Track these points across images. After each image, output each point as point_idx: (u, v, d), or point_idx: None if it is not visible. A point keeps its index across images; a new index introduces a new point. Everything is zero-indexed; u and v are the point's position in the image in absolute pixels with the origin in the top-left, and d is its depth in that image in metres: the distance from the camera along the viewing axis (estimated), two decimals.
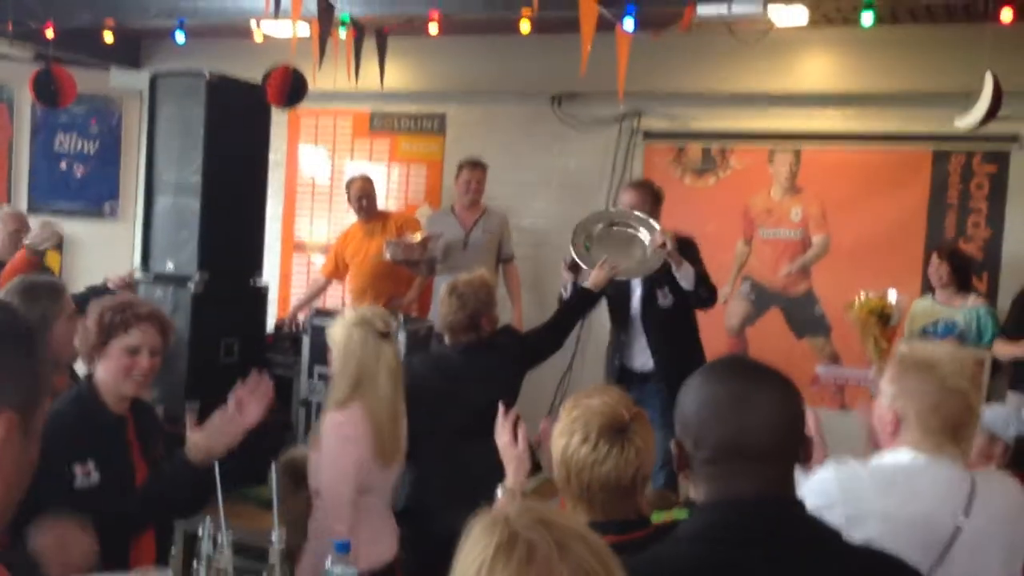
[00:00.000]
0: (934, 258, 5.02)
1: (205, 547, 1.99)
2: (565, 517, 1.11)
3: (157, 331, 2.60)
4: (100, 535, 2.23)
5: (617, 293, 4.56)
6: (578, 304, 4.23)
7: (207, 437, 2.50)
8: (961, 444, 2.06)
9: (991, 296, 5.36)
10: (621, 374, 4.68)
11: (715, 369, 1.49)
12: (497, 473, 2.57)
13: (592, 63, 3.85)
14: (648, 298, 4.50)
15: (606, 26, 3.98)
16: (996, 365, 4.82)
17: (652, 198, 4.53)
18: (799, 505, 1.44)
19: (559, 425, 1.96)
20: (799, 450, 1.44)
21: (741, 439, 1.40)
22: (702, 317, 4.91)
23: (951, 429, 2.03)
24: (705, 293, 4.44)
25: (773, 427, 1.41)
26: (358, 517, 2.72)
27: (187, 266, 4.87)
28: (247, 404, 2.55)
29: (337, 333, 2.87)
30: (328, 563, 1.93)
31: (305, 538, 2.72)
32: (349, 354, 2.81)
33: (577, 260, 4.38)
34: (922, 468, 2.02)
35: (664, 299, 4.47)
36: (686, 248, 4.46)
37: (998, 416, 3.52)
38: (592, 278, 4.21)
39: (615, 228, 4.48)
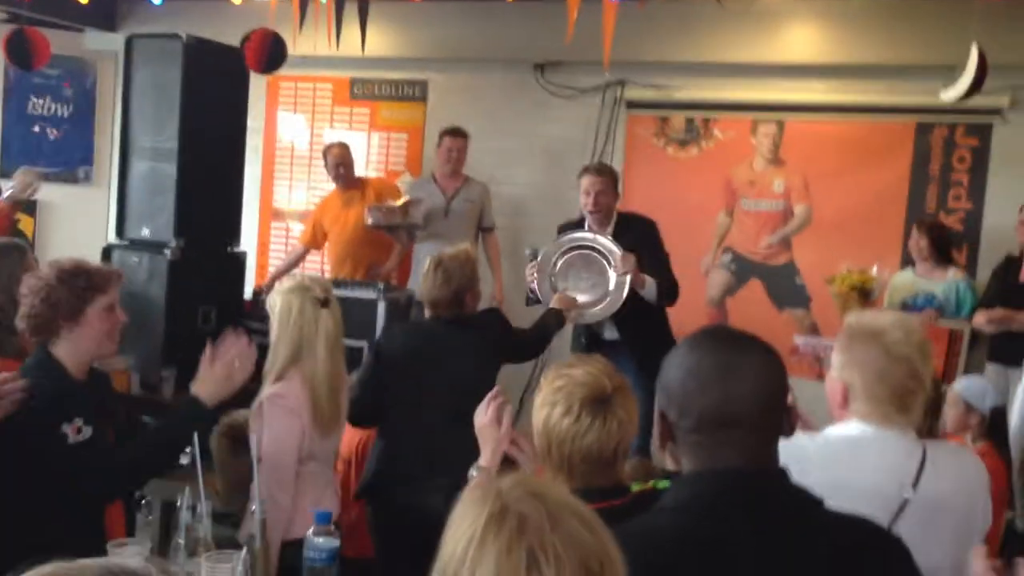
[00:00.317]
0: (914, 231, 5.02)
1: (184, 517, 1.96)
2: (557, 490, 1.10)
3: (117, 283, 2.58)
4: (105, 487, 2.32)
5: None
6: (553, 322, 4.22)
7: (203, 380, 2.52)
8: (910, 413, 2.03)
9: (971, 268, 5.38)
10: (589, 344, 4.72)
11: (699, 339, 1.47)
12: (472, 453, 2.54)
13: (577, 31, 3.80)
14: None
15: None
16: (974, 337, 4.84)
17: (613, 182, 4.53)
18: (784, 474, 1.43)
19: (540, 395, 1.94)
20: (783, 420, 1.43)
21: (726, 408, 1.39)
22: (682, 290, 4.89)
23: (897, 398, 2.00)
24: (667, 300, 4.50)
25: (758, 396, 1.40)
26: (301, 485, 2.73)
27: (163, 232, 4.82)
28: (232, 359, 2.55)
29: (275, 301, 2.84)
30: (310, 532, 1.91)
31: (248, 501, 2.70)
32: (288, 322, 2.78)
33: (537, 295, 4.49)
34: (869, 440, 2.00)
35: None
36: (648, 234, 4.50)
37: (974, 388, 3.55)
38: (555, 302, 4.30)
39: (576, 252, 4.45)
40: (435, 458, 3.09)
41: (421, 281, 3.56)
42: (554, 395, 1.91)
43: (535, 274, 4.50)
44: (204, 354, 2.55)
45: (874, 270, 4.97)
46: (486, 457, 2.27)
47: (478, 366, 3.35)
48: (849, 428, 2.03)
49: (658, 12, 5.20)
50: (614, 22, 3.98)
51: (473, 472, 2.23)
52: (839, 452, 2.00)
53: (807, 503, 1.41)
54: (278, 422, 2.71)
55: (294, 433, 2.71)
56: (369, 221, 5.44)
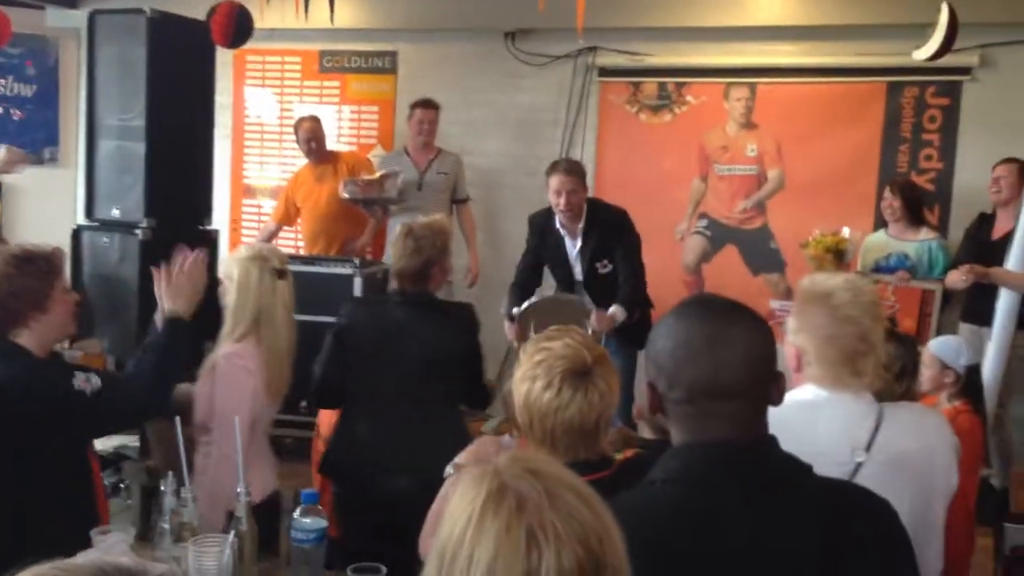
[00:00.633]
0: (887, 192, 5.04)
1: (168, 501, 1.94)
2: (555, 466, 1.08)
3: (66, 261, 2.62)
4: (148, 407, 2.45)
5: (558, 266, 4.68)
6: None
7: (171, 297, 2.61)
8: (862, 376, 2.00)
9: (943, 228, 5.42)
10: None
11: (688, 308, 1.45)
12: (430, 438, 2.51)
13: None
14: (590, 271, 4.58)
15: None
16: (947, 297, 4.89)
17: (582, 179, 4.52)
18: (773, 442, 1.43)
19: (521, 370, 1.93)
20: (772, 388, 1.43)
21: (716, 379, 1.38)
22: (657, 257, 4.92)
23: (847, 360, 1.98)
24: (636, 306, 4.51)
25: (748, 365, 1.39)
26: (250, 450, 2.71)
27: (134, 212, 4.76)
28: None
29: (233, 268, 2.84)
30: (297, 513, 1.89)
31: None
32: (247, 290, 2.80)
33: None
34: (822, 404, 1.99)
35: (604, 268, 4.56)
36: (619, 229, 4.50)
37: (948, 346, 3.58)
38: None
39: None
40: (394, 442, 3.05)
41: (391, 251, 3.40)
42: (534, 369, 1.90)
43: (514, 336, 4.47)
44: (158, 277, 2.66)
45: (846, 231, 5.00)
46: (465, 455, 2.27)
47: (440, 351, 3.21)
48: (804, 393, 2.02)
49: None
50: None
51: (449, 471, 2.22)
52: (792, 417, 1.94)
53: (797, 471, 1.41)
54: (234, 379, 2.72)
55: (248, 392, 2.71)
56: (345, 195, 5.39)
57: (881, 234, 5.10)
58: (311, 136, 5.73)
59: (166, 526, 1.95)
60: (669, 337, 1.42)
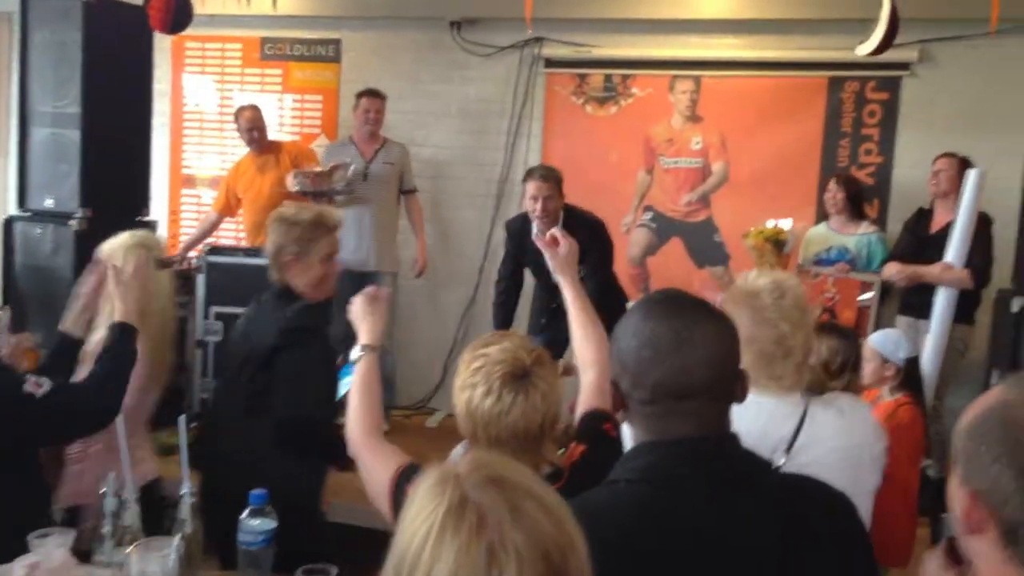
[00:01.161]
0: (831, 184, 5.10)
1: (109, 504, 1.88)
2: (519, 473, 1.06)
3: None
4: (101, 409, 2.37)
5: (540, 269, 4.69)
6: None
7: (122, 298, 2.56)
8: (781, 380, 2.00)
9: (881, 221, 5.51)
10: (556, 311, 4.78)
11: (652, 307, 1.44)
12: (275, 454, 2.47)
13: None
14: None
15: None
16: (886, 290, 4.97)
17: (558, 185, 4.55)
18: (736, 440, 1.43)
19: (459, 378, 1.91)
20: (736, 386, 1.43)
21: (681, 379, 1.37)
22: None
23: (763, 363, 1.98)
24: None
25: (713, 365, 1.38)
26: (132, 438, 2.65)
27: (68, 202, 4.65)
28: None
29: (117, 254, 2.77)
30: (244, 515, 1.84)
31: (62, 465, 2.64)
32: (131, 276, 2.72)
33: None
34: (744, 406, 2.00)
35: (580, 273, 4.52)
36: (595, 237, 4.56)
37: (888, 339, 3.63)
38: None
39: None
40: (245, 457, 2.73)
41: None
42: (473, 376, 1.87)
43: None
44: (95, 279, 2.60)
45: (788, 224, 5.06)
46: (365, 334, 2.30)
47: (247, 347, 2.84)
48: None
49: None
50: None
51: (357, 352, 2.23)
52: None
53: (759, 468, 1.42)
54: None
55: (133, 378, 2.62)
56: (295, 188, 5.29)
57: (822, 227, 5.17)
58: (252, 125, 5.62)
59: (107, 530, 1.88)
60: (634, 336, 1.41)
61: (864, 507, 2.07)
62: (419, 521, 1.00)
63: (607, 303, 4.70)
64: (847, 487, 1.92)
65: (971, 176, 4.37)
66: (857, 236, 5.02)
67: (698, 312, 1.42)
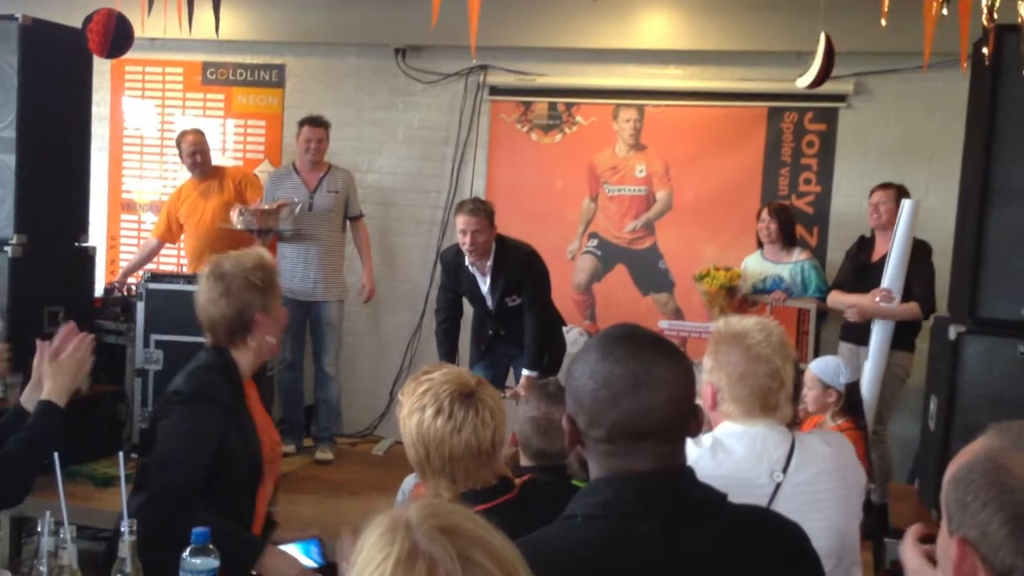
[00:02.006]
0: (764, 214, 5.16)
1: (46, 543, 1.81)
2: (470, 521, 1.04)
3: None
4: None
5: (475, 298, 4.85)
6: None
7: (52, 376, 2.37)
8: (775, 411, 2.14)
9: (821, 248, 5.62)
10: (494, 336, 4.95)
11: (610, 346, 1.43)
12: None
13: (438, 15, 3.73)
14: (501, 304, 4.74)
15: None
16: (821, 315, 5.06)
17: (488, 218, 4.58)
18: (691, 473, 1.44)
19: (406, 405, 1.93)
20: (691, 422, 1.44)
21: (639, 421, 1.38)
22: (550, 274, 4.96)
23: (759, 396, 2.11)
24: (548, 356, 4.78)
25: (670, 406, 1.40)
26: None
27: (3, 228, 4.55)
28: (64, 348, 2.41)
29: None
30: (186, 554, 1.79)
31: None
32: None
33: None
34: (738, 435, 2.11)
35: (514, 302, 4.73)
36: (527, 268, 4.65)
37: (828, 366, 3.70)
38: None
39: None
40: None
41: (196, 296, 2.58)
42: (420, 399, 1.91)
43: None
44: (39, 353, 2.40)
45: (745, 265, 5.14)
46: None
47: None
48: (722, 429, 2.15)
49: None
50: (479, 6, 3.93)
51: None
52: (709, 458, 2.10)
53: (713, 499, 1.44)
54: None
55: None
56: (240, 226, 5.21)
57: (757, 257, 5.22)
58: (195, 149, 5.54)
59: (43, 569, 1.82)
60: (591, 377, 1.41)
61: (856, 524, 2.23)
62: (368, 571, 0.99)
63: (547, 332, 4.79)
64: (841, 504, 2.14)
65: (905, 206, 4.48)
66: (791, 264, 5.10)
67: (655, 353, 1.42)
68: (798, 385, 3.38)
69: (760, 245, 5.23)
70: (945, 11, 3.16)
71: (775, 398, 2.13)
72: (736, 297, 4.99)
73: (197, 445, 2.33)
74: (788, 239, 5.13)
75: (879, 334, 4.53)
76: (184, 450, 2.33)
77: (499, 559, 1.01)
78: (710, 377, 2.17)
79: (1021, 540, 1.12)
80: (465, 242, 4.57)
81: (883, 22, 3.33)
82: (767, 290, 5.07)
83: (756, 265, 5.18)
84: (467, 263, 4.71)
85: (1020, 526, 1.12)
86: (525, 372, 4.65)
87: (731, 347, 2.13)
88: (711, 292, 4.95)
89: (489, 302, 4.78)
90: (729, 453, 2.09)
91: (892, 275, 4.51)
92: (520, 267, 4.66)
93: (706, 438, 2.14)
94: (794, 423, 3.09)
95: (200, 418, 2.37)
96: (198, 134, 5.62)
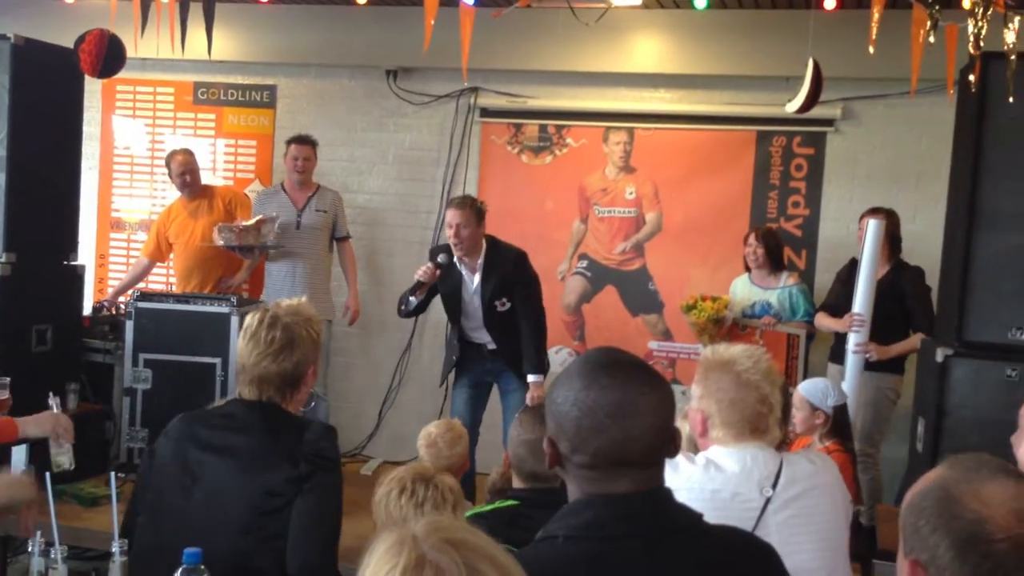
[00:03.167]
0: (751, 239, 5.16)
1: (35, 563, 1.80)
2: (474, 534, 1.06)
3: None
4: None
5: (453, 300, 4.75)
6: None
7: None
8: (765, 434, 2.20)
9: (810, 271, 5.65)
10: (464, 347, 4.84)
11: (593, 373, 1.44)
12: None
13: (430, 38, 3.75)
14: (489, 308, 4.67)
15: (445, 1, 3.89)
16: (810, 337, 5.07)
17: (475, 214, 4.59)
18: (669, 494, 1.47)
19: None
20: (671, 447, 1.46)
21: (622, 448, 1.40)
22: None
23: (749, 421, 2.17)
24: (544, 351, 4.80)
25: (653, 433, 1.41)
26: None
27: None
28: None
29: None
30: (179, 574, 1.78)
31: None
32: None
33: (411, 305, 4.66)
34: (729, 454, 2.17)
35: (503, 307, 4.68)
36: (517, 269, 4.67)
37: (816, 388, 3.71)
38: None
39: None
40: None
41: (239, 342, 2.38)
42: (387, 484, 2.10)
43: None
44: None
45: (732, 292, 5.14)
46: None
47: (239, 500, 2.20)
48: (711, 451, 2.21)
49: (510, 21, 5.22)
50: (471, 30, 3.96)
51: None
52: (701, 472, 2.16)
53: (689, 518, 1.46)
54: None
55: None
56: (220, 243, 5.22)
57: (745, 281, 5.22)
58: (185, 169, 5.55)
59: None
60: (575, 404, 1.42)
61: (845, 540, 2.30)
62: None
63: (544, 335, 4.77)
64: (830, 519, 2.20)
65: (870, 225, 4.49)
66: (779, 290, 5.10)
67: (640, 381, 1.43)
68: (787, 408, 3.42)
69: (748, 269, 5.24)
70: (932, 38, 3.20)
71: (765, 422, 2.19)
72: (724, 326, 5.01)
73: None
74: (776, 263, 5.14)
75: (854, 358, 4.52)
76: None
77: (504, 571, 1.02)
78: (700, 404, 2.22)
79: (965, 564, 1.21)
80: (451, 235, 4.57)
81: (871, 49, 3.37)
82: (756, 315, 5.08)
83: (744, 290, 5.19)
84: (455, 260, 4.65)
85: (964, 550, 1.21)
86: (531, 379, 4.60)
87: (721, 374, 2.19)
88: (699, 324, 4.97)
89: (477, 303, 4.70)
90: (720, 469, 2.14)
91: (863, 295, 4.52)
92: (512, 266, 4.65)
93: (699, 457, 2.18)
94: (783, 444, 3.15)
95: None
96: (187, 154, 5.62)
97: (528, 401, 4.52)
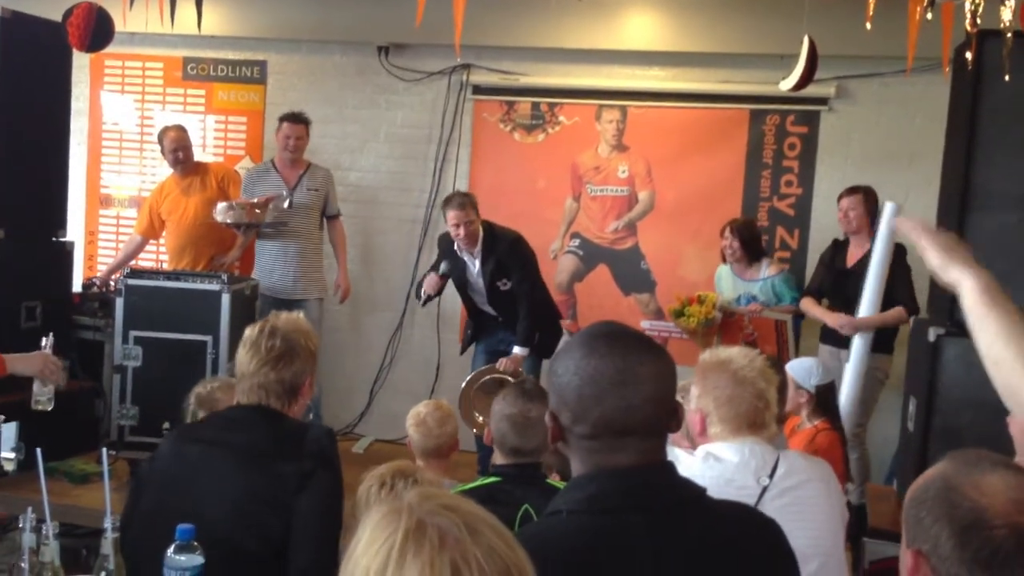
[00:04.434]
0: (726, 233, 5.12)
1: (27, 539, 1.79)
2: (468, 503, 1.08)
3: None
4: None
5: (463, 284, 5.06)
6: None
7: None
8: (763, 429, 2.31)
9: (802, 251, 5.65)
10: (478, 318, 5.17)
11: (594, 343, 1.45)
12: None
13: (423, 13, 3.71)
14: (492, 288, 4.96)
15: None
16: (797, 318, 5.08)
17: (475, 209, 4.85)
18: (671, 467, 1.47)
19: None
20: (673, 420, 1.46)
21: (624, 417, 1.40)
22: None
23: (746, 416, 2.28)
24: (538, 335, 4.97)
25: (654, 403, 1.42)
26: None
27: None
28: None
29: None
30: (170, 551, 1.77)
31: None
32: None
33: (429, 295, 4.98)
34: (727, 445, 2.26)
35: (504, 286, 4.96)
36: (512, 253, 4.90)
37: (801, 367, 3.73)
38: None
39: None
40: None
41: (240, 347, 2.35)
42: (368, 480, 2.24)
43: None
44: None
45: (719, 293, 5.14)
46: None
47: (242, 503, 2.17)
48: (709, 446, 2.29)
49: None
50: (464, 5, 3.92)
51: None
52: (700, 463, 2.24)
53: (694, 493, 1.47)
54: None
55: None
56: (228, 220, 5.19)
57: (728, 273, 5.21)
58: (177, 146, 5.50)
59: (24, 566, 1.79)
60: (576, 373, 1.42)
61: (840, 531, 2.36)
62: (375, 549, 1.01)
63: (538, 312, 4.94)
64: (826, 512, 2.27)
65: (887, 210, 4.45)
66: (760, 282, 5.10)
67: (640, 351, 1.44)
68: (783, 385, 3.46)
69: (723, 259, 5.22)
70: (929, 15, 3.18)
71: (762, 417, 2.30)
72: (715, 326, 5.01)
73: None
74: (753, 254, 5.12)
75: (860, 341, 4.53)
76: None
77: (500, 533, 1.05)
78: (698, 404, 2.32)
79: (965, 551, 1.28)
80: (459, 234, 4.81)
81: (868, 25, 3.34)
82: (743, 304, 5.09)
83: (728, 280, 5.19)
84: (456, 248, 4.93)
85: (964, 539, 1.28)
86: (516, 350, 4.87)
87: (718, 373, 2.30)
88: (690, 327, 5.00)
89: (481, 284, 4.98)
90: (719, 459, 2.24)
91: (873, 282, 4.50)
92: (507, 252, 4.90)
93: (699, 450, 2.27)
94: (779, 424, 3.20)
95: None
96: (180, 130, 5.58)
97: (499, 366, 4.84)
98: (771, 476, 2.21)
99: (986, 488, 1.29)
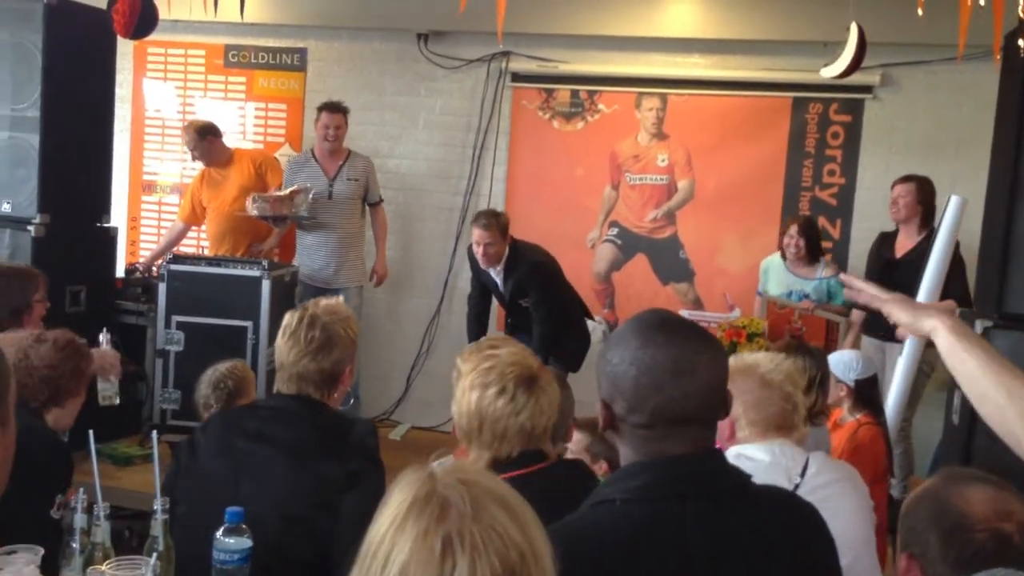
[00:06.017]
0: (793, 230, 5.07)
1: (79, 520, 1.81)
2: (490, 479, 1.09)
3: None
4: None
5: (495, 291, 5.13)
6: None
7: None
8: (792, 431, 2.36)
9: (844, 241, 5.58)
10: (514, 312, 5.12)
11: (650, 332, 1.44)
12: None
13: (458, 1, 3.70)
14: (512, 303, 5.03)
15: None
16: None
17: (500, 230, 4.83)
18: (720, 455, 1.49)
19: (467, 377, 1.99)
20: (724, 407, 1.48)
21: (680, 406, 1.40)
22: (569, 265, 5.07)
23: (774, 418, 2.34)
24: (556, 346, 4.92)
25: (710, 393, 1.43)
26: None
27: (26, 207, 4.56)
28: None
29: None
30: (219, 533, 1.79)
31: None
32: None
33: None
34: (756, 447, 2.31)
35: (525, 303, 4.97)
36: (530, 278, 4.89)
37: (841, 360, 3.69)
38: None
39: None
40: None
41: (280, 335, 2.33)
42: (485, 375, 1.97)
43: None
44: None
45: (759, 265, 5.11)
46: None
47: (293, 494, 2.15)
48: (739, 447, 2.34)
49: None
50: None
51: None
52: (732, 460, 2.20)
53: (740, 479, 1.48)
54: None
55: None
56: (254, 213, 5.23)
57: (780, 266, 5.15)
58: (192, 147, 5.57)
59: (76, 546, 1.82)
60: (633, 363, 1.42)
61: (871, 529, 2.43)
62: (388, 509, 1.05)
63: (568, 331, 4.98)
64: (855, 514, 2.31)
65: (951, 203, 4.24)
66: (816, 281, 5.04)
67: (696, 340, 1.45)
68: (826, 376, 3.45)
69: (783, 255, 5.15)
70: (982, 0, 3.11)
71: (790, 420, 2.36)
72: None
73: None
74: (814, 255, 5.09)
75: (913, 341, 4.42)
76: None
77: (514, 514, 1.05)
78: None
79: (949, 552, 1.47)
80: (478, 252, 4.87)
81: (919, 11, 3.28)
82: (795, 300, 5.04)
83: (780, 274, 5.13)
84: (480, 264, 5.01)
85: (949, 540, 1.47)
86: None
87: (745, 377, 2.33)
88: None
89: (505, 299, 5.06)
90: (750, 459, 2.26)
91: (932, 275, 4.37)
92: (527, 275, 4.91)
93: (730, 451, 2.30)
94: (822, 416, 3.21)
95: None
96: (187, 131, 5.62)
97: None
98: (802, 475, 2.26)
99: (970, 498, 1.50)
